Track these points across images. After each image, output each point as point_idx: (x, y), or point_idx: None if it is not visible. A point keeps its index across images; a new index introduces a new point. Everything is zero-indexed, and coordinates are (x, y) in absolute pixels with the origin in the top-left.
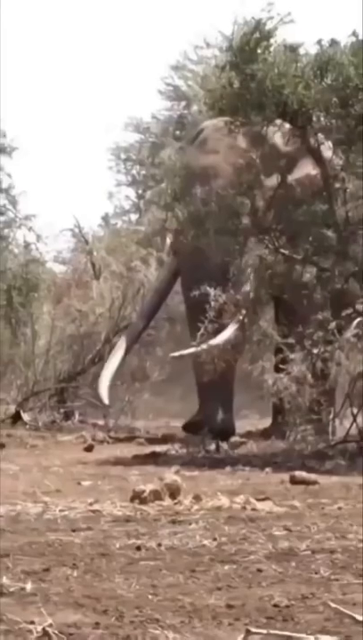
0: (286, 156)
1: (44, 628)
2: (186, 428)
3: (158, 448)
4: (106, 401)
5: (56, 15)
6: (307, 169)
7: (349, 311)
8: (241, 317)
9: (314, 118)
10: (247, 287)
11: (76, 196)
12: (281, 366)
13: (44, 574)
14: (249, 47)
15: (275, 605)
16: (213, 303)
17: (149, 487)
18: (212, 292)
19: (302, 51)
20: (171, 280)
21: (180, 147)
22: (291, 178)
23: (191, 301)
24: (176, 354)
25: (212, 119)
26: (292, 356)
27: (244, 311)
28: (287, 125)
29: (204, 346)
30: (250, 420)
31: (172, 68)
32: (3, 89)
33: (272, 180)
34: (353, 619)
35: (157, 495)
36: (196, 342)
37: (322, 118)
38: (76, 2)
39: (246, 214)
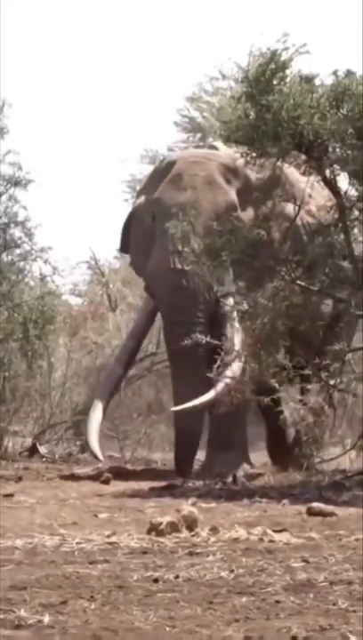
0: (259, 189)
1: None
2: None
3: (175, 480)
4: (100, 457)
5: (71, 47)
6: (275, 204)
7: None
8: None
9: (330, 149)
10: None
11: (91, 228)
12: (298, 397)
13: (61, 607)
14: (265, 78)
15: (293, 637)
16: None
17: (165, 519)
18: (202, 338)
19: (317, 81)
20: (147, 322)
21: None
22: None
23: (177, 346)
24: (180, 407)
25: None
26: (309, 387)
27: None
28: (303, 157)
29: (218, 389)
30: (266, 452)
31: (187, 100)
32: (18, 120)
33: (248, 214)
34: None
35: (174, 527)
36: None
37: (338, 149)
38: (92, 32)
39: (263, 246)
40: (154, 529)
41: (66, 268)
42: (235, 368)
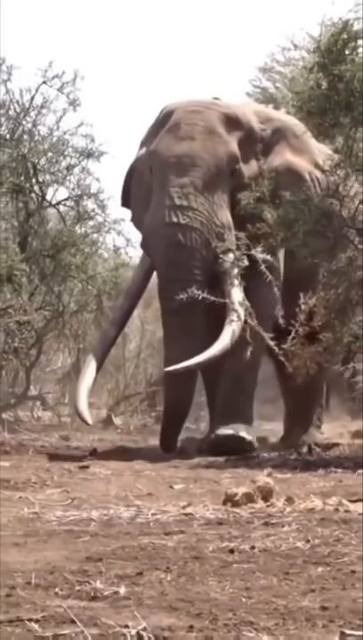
0: (262, 141)
1: (138, 632)
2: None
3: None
4: (89, 420)
5: (142, 20)
6: (281, 157)
7: None
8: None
9: None
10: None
11: None
12: None
13: (137, 578)
14: (337, 48)
15: None
16: (303, 306)
17: (241, 490)
18: (198, 294)
19: None
20: (143, 281)
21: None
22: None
23: (172, 305)
24: (173, 368)
25: (179, 100)
26: None
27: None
28: None
29: (212, 352)
30: (342, 422)
31: (259, 70)
32: (90, 93)
33: (251, 166)
34: None
35: (249, 498)
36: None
37: None
38: (162, 7)
39: (336, 215)
40: (229, 500)
41: (139, 239)
42: (234, 327)
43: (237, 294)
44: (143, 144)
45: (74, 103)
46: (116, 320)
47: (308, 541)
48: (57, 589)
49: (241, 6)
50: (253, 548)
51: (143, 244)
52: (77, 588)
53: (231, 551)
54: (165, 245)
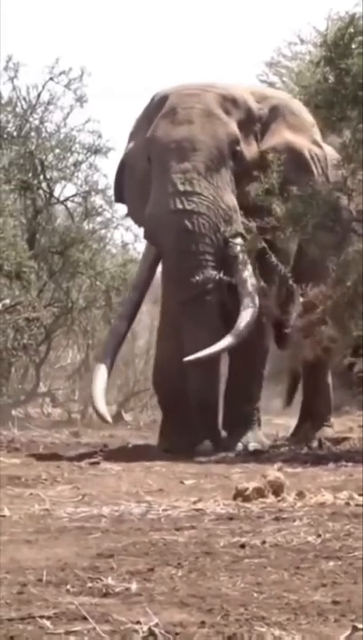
0: (260, 120)
1: (149, 628)
2: None
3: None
4: (108, 418)
5: (148, 16)
6: (279, 135)
7: None
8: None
9: None
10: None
11: None
12: None
13: (148, 574)
14: (344, 42)
15: None
16: (301, 299)
17: (252, 485)
18: (214, 274)
19: None
20: (150, 273)
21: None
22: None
23: (186, 295)
24: (194, 357)
25: (175, 85)
26: None
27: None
28: None
29: (226, 342)
30: (351, 416)
31: (266, 65)
32: (97, 89)
33: (251, 147)
34: None
35: (260, 492)
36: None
37: None
38: (168, 3)
39: (343, 209)
40: (240, 494)
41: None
42: (249, 314)
43: (250, 278)
44: (132, 136)
45: (81, 100)
46: (125, 314)
47: (319, 536)
48: (68, 586)
49: (247, 1)
50: (264, 542)
51: (147, 235)
52: (89, 584)
53: (242, 546)
54: (173, 233)
